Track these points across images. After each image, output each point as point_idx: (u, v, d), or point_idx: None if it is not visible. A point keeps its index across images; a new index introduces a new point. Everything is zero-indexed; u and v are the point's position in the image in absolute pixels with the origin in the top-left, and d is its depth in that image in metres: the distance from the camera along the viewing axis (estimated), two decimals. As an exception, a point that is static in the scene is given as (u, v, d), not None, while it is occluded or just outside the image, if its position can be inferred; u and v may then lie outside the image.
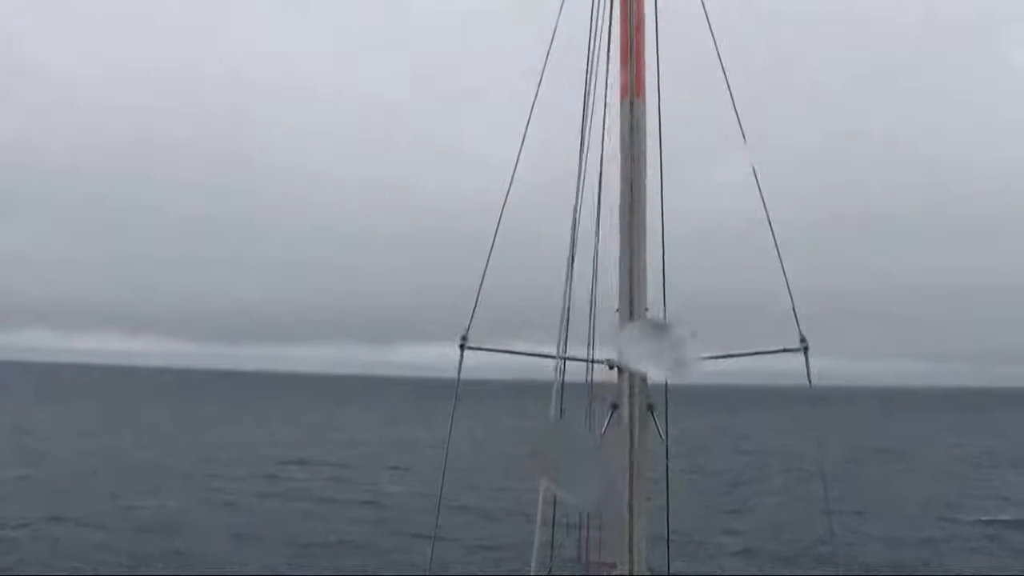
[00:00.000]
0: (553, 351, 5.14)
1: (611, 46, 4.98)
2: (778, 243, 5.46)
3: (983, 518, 35.65)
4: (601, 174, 5.25)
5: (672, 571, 6.61)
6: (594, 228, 5.41)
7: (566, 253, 5.13)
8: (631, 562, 4.96)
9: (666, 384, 5.45)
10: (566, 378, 5.41)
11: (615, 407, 5.08)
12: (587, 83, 4.91)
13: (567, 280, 5.05)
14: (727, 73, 5.43)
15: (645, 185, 5.06)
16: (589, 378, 5.58)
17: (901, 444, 72.36)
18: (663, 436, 5.24)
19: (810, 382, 5.49)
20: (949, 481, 47.90)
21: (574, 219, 5.01)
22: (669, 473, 5.98)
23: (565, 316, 5.12)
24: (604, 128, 5.06)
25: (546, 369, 5.02)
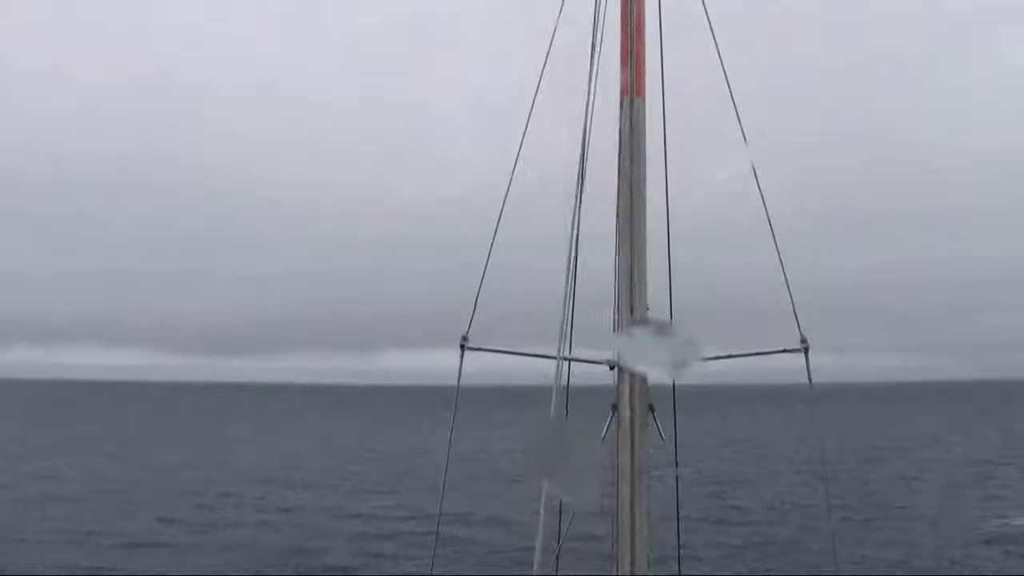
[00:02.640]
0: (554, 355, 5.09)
1: (609, 44, 4.96)
2: (778, 243, 5.45)
3: (993, 525, 34.93)
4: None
5: (681, 571, 6.61)
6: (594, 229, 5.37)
7: (565, 255, 5.09)
8: (632, 563, 4.95)
9: (673, 385, 5.43)
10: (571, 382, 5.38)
11: (615, 408, 5.07)
12: (590, 81, 4.90)
13: (567, 280, 5.03)
14: (727, 72, 5.41)
15: (645, 184, 5.06)
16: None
17: (901, 444, 72.07)
18: (663, 437, 5.22)
19: (811, 383, 5.48)
20: (954, 485, 47.15)
21: (573, 219, 4.98)
22: (678, 473, 5.97)
23: (566, 316, 5.09)
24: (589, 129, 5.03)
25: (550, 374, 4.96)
